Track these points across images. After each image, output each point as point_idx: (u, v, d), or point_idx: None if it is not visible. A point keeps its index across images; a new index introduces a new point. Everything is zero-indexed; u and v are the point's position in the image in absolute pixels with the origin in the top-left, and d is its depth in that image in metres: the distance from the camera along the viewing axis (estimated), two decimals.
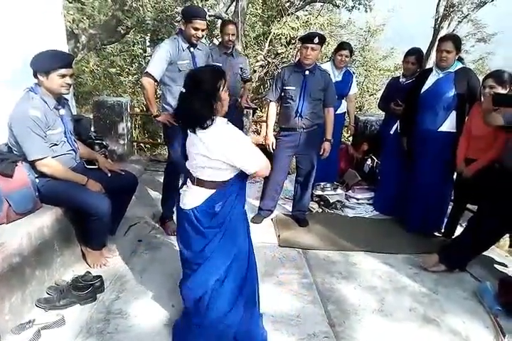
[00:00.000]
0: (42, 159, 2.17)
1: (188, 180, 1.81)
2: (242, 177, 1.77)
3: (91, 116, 4.45)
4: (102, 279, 2.23)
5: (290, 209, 3.43)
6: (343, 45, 3.68)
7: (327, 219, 3.43)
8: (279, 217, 3.40)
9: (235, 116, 3.79)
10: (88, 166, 2.55)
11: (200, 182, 1.75)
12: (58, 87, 2.19)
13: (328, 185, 3.74)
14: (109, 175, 2.54)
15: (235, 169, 1.71)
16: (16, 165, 2.10)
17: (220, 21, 8.48)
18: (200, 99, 1.64)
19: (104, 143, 3.13)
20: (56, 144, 2.27)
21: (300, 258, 2.76)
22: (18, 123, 2.13)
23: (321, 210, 3.59)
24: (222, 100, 1.71)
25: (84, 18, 6.84)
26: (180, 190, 1.86)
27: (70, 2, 6.34)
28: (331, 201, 3.60)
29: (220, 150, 1.64)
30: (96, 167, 2.57)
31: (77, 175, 2.32)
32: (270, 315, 2.12)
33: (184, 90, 1.69)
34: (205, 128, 1.65)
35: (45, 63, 2.15)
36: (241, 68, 3.82)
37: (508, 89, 2.60)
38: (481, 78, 2.88)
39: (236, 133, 1.70)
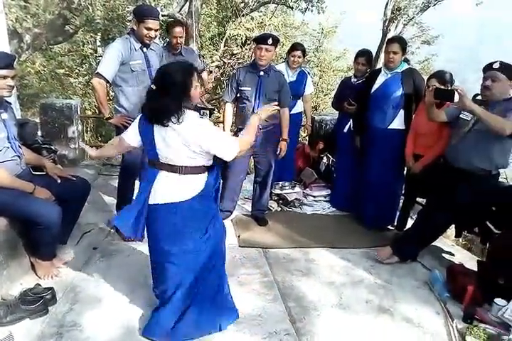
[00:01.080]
0: None
1: (165, 172, 1.83)
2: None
3: (37, 119, 4.23)
4: (53, 291, 2.11)
5: (249, 209, 3.44)
6: (295, 46, 3.75)
7: (286, 217, 3.48)
8: (238, 217, 3.40)
9: None
10: (35, 172, 2.42)
11: (188, 170, 1.81)
12: None
13: (287, 183, 3.79)
14: (59, 181, 2.42)
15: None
16: None
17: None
18: (170, 97, 1.71)
19: (53, 147, 3.00)
20: None
21: (260, 257, 2.78)
22: None
23: (280, 209, 3.64)
24: (191, 98, 1.78)
25: (29, 16, 6.50)
26: (153, 185, 1.85)
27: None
28: (290, 199, 3.65)
29: (197, 141, 1.73)
30: (44, 173, 2.44)
31: (23, 182, 2.19)
32: None
33: (154, 87, 1.75)
34: (180, 122, 1.71)
35: None
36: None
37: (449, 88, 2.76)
38: (425, 78, 3.05)
39: (207, 123, 1.80)
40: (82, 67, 7.90)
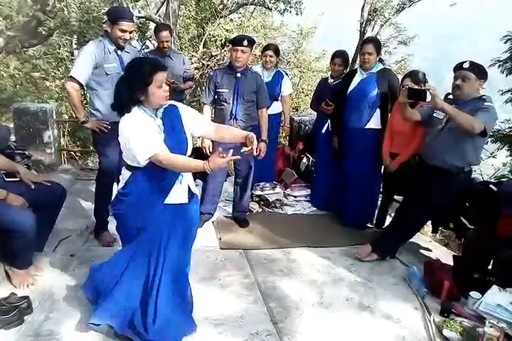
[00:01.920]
0: None
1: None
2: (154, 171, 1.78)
3: (11, 124, 4.13)
4: (29, 300, 2.06)
5: (231, 211, 3.44)
6: (267, 46, 3.75)
7: (267, 218, 3.49)
8: (219, 219, 3.39)
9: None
10: (8, 179, 2.36)
11: (125, 164, 1.86)
12: None
13: (267, 184, 3.80)
14: (33, 187, 2.37)
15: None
16: None
17: (151, 23, 8.29)
18: (126, 85, 1.71)
19: (27, 153, 2.95)
20: None
21: (242, 259, 2.78)
22: None
23: (261, 210, 3.65)
24: (150, 95, 1.72)
25: (1, 18, 6.33)
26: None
27: None
28: (271, 200, 3.67)
29: (120, 133, 1.74)
30: (17, 179, 2.38)
31: None
32: (213, 318, 2.11)
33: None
34: (123, 114, 1.75)
35: None
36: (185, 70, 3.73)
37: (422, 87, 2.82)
38: (400, 78, 3.11)
39: (140, 121, 1.73)
40: (59, 70, 7.73)
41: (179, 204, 1.89)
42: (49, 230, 2.52)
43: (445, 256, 2.87)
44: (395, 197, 3.38)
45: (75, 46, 7.68)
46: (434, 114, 2.60)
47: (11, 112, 4.43)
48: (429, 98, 2.38)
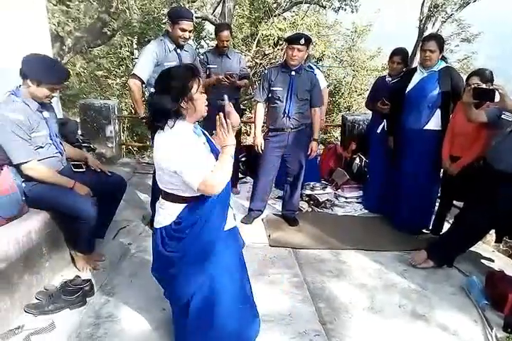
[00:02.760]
0: (27, 162, 2.15)
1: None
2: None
3: (78, 119, 4.42)
4: (91, 283, 2.21)
5: (280, 209, 3.44)
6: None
7: (317, 218, 3.45)
8: (269, 217, 3.41)
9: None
10: (75, 170, 2.53)
11: (166, 196, 1.61)
12: (43, 97, 2.19)
13: (318, 184, 3.76)
14: (98, 170, 2.54)
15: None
16: (1, 170, 2.07)
17: (206, 23, 8.49)
18: (167, 96, 1.51)
19: (92, 146, 3.12)
20: (41, 147, 2.25)
21: (290, 257, 2.77)
22: (0, 127, 2.10)
23: (310, 209, 3.61)
24: (194, 100, 1.56)
25: (70, 20, 6.79)
26: (157, 203, 1.73)
27: (54, 5, 6.28)
28: (321, 200, 3.62)
29: (166, 157, 1.51)
30: (83, 170, 2.55)
31: (64, 178, 2.30)
32: (262, 314, 2.12)
33: (153, 90, 1.59)
34: (163, 129, 1.53)
35: (42, 74, 2.12)
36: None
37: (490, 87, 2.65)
38: (464, 77, 2.94)
39: (181, 140, 1.52)
40: (119, 69, 8.18)
41: (232, 229, 1.76)
42: (110, 219, 2.67)
43: (509, 267, 2.67)
44: (455, 202, 3.20)
45: (135, 46, 8.06)
46: (503, 116, 2.43)
47: (78, 108, 4.75)
48: (497, 98, 2.24)
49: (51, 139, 2.33)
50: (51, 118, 2.36)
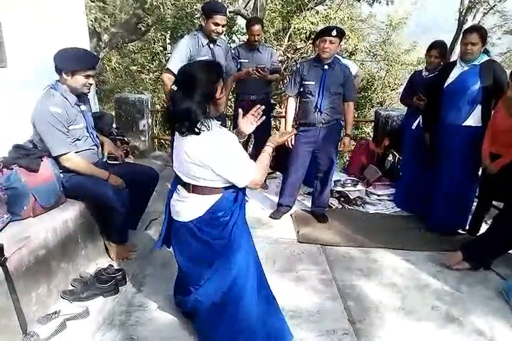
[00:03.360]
0: (65, 154, 2.23)
1: (181, 187, 1.69)
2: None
3: (113, 113, 4.53)
4: (124, 272, 2.27)
5: (309, 205, 3.41)
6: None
7: (347, 215, 3.40)
8: (298, 212, 3.38)
9: (264, 115, 3.73)
10: (110, 162, 2.60)
11: (197, 190, 1.62)
12: (81, 86, 2.25)
13: (349, 180, 3.70)
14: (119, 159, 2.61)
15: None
16: (41, 161, 2.15)
17: (238, 17, 8.49)
18: (193, 100, 1.49)
19: (126, 139, 3.19)
20: (79, 139, 2.32)
21: (319, 254, 2.74)
22: (40, 120, 2.19)
23: (340, 206, 3.56)
24: (217, 100, 1.57)
25: (106, 16, 6.96)
26: (171, 200, 1.75)
27: (92, 1, 6.46)
28: (351, 197, 3.56)
29: (207, 159, 1.52)
30: (118, 162, 2.61)
31: (99, 169, 2.37)
32: (289, 310, 2.12)
33: (176, 88, 1.53)
34: (197, 133, 1.51)
35: (73, 63, 2.19)
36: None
37: None
38: (508, 71, 2.78)
39: (228, 141, 1.56)
40: (153, 64, 8.34)
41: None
42: (142, 210, 2.74)
43: None
44: (494, 202, 3.06)
45: (168, 41, 8.19)
46: None
47: (113, 102, 4.88)
48: None
49: (88, 132, 2.40)
50: (88, 112, 2.43)
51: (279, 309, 1.90)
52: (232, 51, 3.59)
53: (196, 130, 1.51)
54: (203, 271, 1.73)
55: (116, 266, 2.32)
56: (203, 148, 1.53)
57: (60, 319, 1.94)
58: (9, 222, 2.00)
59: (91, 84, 2.29)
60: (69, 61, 2.18)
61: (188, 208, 1.66)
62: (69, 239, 2.20)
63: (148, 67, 8.34)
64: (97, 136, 2.50)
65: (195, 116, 1.50)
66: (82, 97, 2.39)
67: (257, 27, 3.50)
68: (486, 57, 2.86)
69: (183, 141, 1.57)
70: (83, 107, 2.38)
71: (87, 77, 2.23)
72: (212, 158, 1.53)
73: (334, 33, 2.80)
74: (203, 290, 1.75)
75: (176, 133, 1.59)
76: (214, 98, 1.55)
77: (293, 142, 3.07)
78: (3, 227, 1.95)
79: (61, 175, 2.28)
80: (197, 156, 1.54)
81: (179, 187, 1.71)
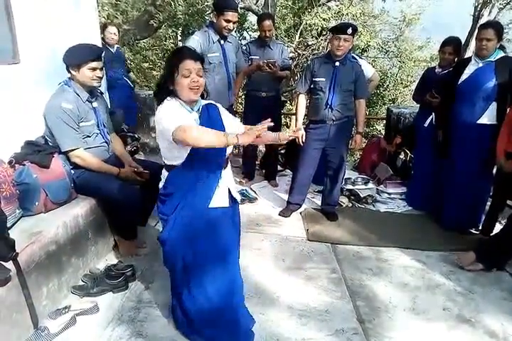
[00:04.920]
0: (74, 150, 2.24)
1: None
2: (189, 170, 1.70)
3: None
4: (133, 268, 2.28)
5: (319, 203, 3.38)
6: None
7: (357, 213, 3.36)
8: (307, 210, 3.36)
9: (273, 111, 3.70)
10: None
11: (164, 167, 1.81)
12: (89, 80, 2.25)
13: (359, 179, 3.66)
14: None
15: (174, 148, 1.67)
16: (53, 157, 2.17)
17: (249, 14, 8.45)
18: (163, 75, 1.73)
19: (136, 135, 3.19)
20: (89, 136, 2.33)
21: (329, 252, 2.72)
22: (51, 115, 2.21)
23: (351, 205, 3.52)
24: (177, 84, 1.67)
25: (119, 13, 7.00)
26: None
27: None
28: (362, 195, 3.52)
29: (158, 120, 1.67)
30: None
31: (109, 166, 2.38)
32: (298, 309, 2.11)
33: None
34: (159, 102, 1.73)
35: (76, 57, 2.21)
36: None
37: None
38: None
39: (174, 108, 1.68)
40: (164, 61, 8.34)
41: (221, 208, 1.78)
42: (152, 207, 2.73)
43: None
44: (508, 202, 3.00)
45: (179, 38, 8.19)
46: None
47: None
48: None
49: (98, 129, 2.41)
50: (100, 108, 2.44)
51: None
52: (244, 47, 3.57)
53: (159, 101, 1.71)
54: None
55: (125, 262, 2.33)
56: (156, 114, 1.71)
57: (70, 314, 1.96)
58: (21, 217, 2.02)
59: (99, 77, 2.29)
60: (72, 56, 2.21)
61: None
62: (79, 234, 2.22)
63: (159, 64, 8.36)
64: (107, 133, 2.50)
65: (160, 89, 1.72)
66: (94, 94, 2.39)
67: (267, 22, 3.48)
68: (501, 54, 2.80)
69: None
70: (95, 104, 2.39)
71: (93, 69, 2.23)
72: (158, 124, 1.68)
73: (349, 31, 2.76)
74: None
75: None
76: (174, 80, 1.67)
77: (303, 139, 3.05)
78: (15, 222, 1.97)
79: (72, 171, 2.30)
80: (157, 120, 1.70)
81: None
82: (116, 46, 4.24)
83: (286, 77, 4.07)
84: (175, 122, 1.60)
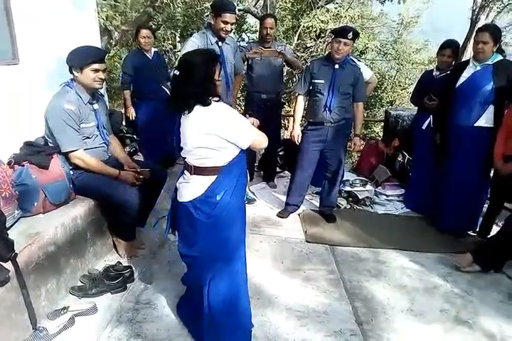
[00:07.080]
0: (74, 151, 2.24)
1: (185, 171, 1.79)
2: (240, 162, 1.73)
3: (122, 110, 4.54)
4: (132, 269, 2.28)
5: (318, 204, 3.39)
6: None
7: (356, 215, 3.37)
8: (306, 212, 3.37)
9: (273, 113, 3.72)
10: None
11: (198, 170, 1.71)
12: (92, 81, 2.25)
13: (358, 180, 3.67)
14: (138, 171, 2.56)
15: (229, 149, 1.67)
16: (52, 158, 2.17)
17: (248, 16, 8.47)
18: (195, 80, 1.64)
19: (134, 136, 3.20)
20: (89, 137, 2.33)
21: (327, 254, 2.73)
22: (52, 115, 2.20)
23: (349, 206, 3.54)
24: (215, 81, 1.71)
25: (117, 14, 6.99)
26: (177, 183, 1.83)
27: None
28: (360, 197, 3.53)
29: (212, 125, 1.63)
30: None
31: (109, 167, 2.37)
32: (296, 310, 2.12)
33: (178, 73, 1.66)
34: (205, 104, 1.65)
35: (79, 59, 2.21)
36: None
37: None
38: None
39: (229, 110, 1.71)
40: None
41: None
42: (150, 208, 2.74)
43: None
44: (506, 204, 3.02)
45: (178, 39, 8.20)
46: None
47: (122, 100, 4.88)
48: None
49: (98, 130, 2.41)
50: (100, 110, 2.44)
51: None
52: (246, 45, 3.58)
53: (205, 103, 1.64)
54: (193, 251, 1.79)
55: (124, 263, 2.33)
56: (208, 116, 1.65)
57: (68, 315, 1.96)
58: (20, 218, 2.02)
59: (102, 79, 2.29)
60: (75, 57, 2.20)
61: (190, 189, 1.74)
62: (78, 235, 2.21)
63: None
64: (107, 134, 2.50)
65: (200, 95, 1.64)
66: (95, 96, 2.40)
67: (270, 20, 3.49)
68: (499, 57, 2.82)
69: (188, 117, 1.67)
70: (96, 105, 2.39)
71: (96, 71, 2.23)
72: (217, 122, 1.64)
73: (350, 35, 2.78)
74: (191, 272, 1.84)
75: (182, 116, 1.70)
76: (213, 79, 1.69)
77: (299, 139, 3.06)
78: (14, 223, 1.97)
79: (71, 172, 2.30)
80: (203, 124, 1.64)
81: (185, 171, 1.80)
82: (153, 50, 3.93)
83: (297, 66, 4.01)
84: (247, 136, 1.68)
